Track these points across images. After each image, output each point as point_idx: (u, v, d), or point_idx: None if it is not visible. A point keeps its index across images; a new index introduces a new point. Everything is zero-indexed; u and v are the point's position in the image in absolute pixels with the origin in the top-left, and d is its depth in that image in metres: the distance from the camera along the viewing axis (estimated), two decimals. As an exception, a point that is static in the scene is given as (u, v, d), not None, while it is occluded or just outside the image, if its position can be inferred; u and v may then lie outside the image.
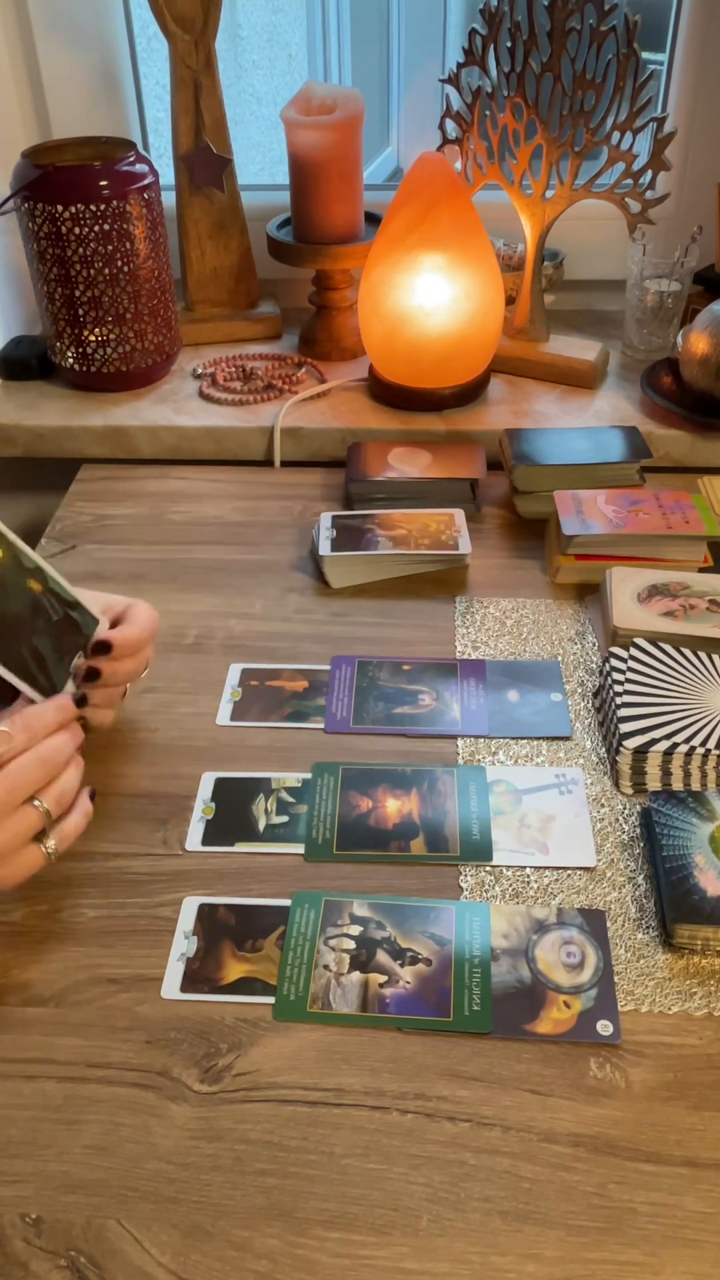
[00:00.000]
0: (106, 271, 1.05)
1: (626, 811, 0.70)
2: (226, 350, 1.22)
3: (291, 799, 0.71)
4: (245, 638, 0.85)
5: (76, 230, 1.02)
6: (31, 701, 0.61)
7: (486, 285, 1.04)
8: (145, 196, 1.04)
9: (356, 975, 0.59)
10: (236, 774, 0.72)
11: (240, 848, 0.67)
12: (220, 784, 0.72)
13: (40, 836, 0.58)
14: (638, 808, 0.70)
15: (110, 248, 1.04)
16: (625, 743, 0.69)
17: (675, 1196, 0.50)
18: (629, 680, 0.74)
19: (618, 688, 0.73)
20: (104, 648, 0.66)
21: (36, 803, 0.57)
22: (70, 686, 0.65)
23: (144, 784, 0.72)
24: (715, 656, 0.76)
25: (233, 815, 0.69)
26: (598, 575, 0.87)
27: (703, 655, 0.76)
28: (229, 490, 1.05)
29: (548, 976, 0.59)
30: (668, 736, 0.69)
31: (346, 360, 1.20)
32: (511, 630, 0.85)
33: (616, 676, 0.74)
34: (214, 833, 0.68)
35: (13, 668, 0.59)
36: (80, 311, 1.07)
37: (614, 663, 0.76)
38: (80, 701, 0.63)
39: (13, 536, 0.62)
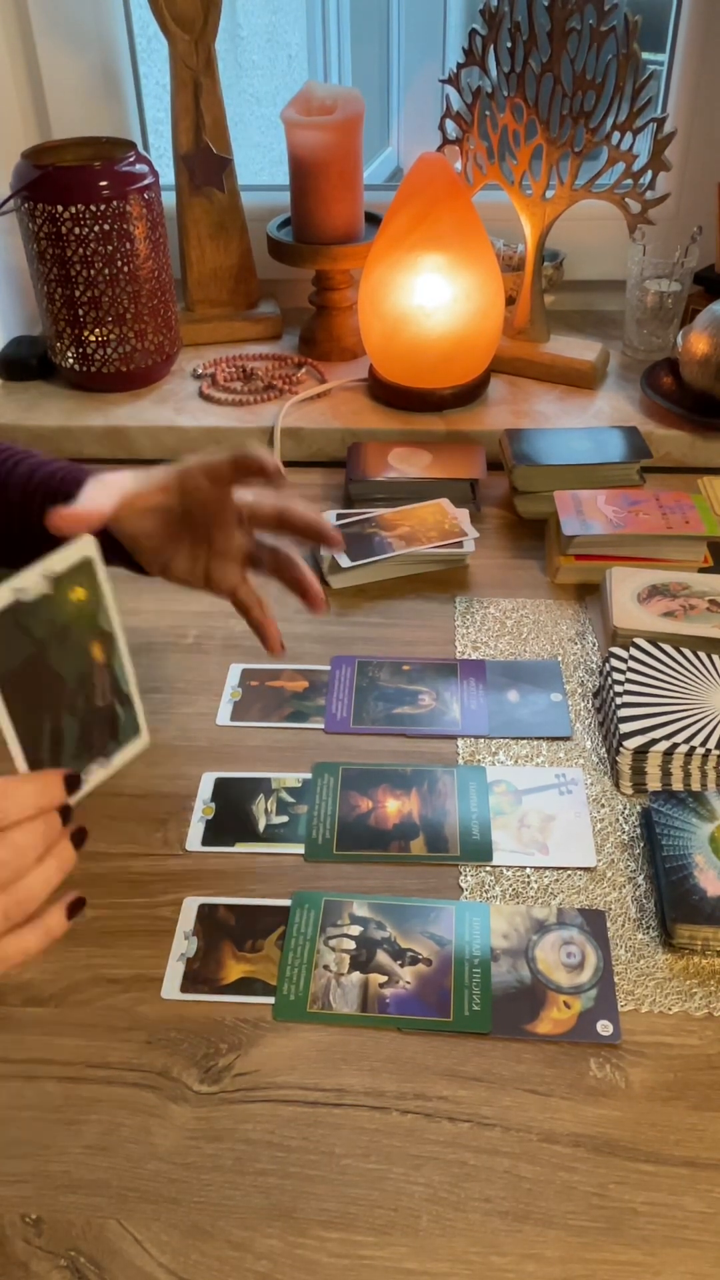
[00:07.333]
0: (106, 271, 1.05)
1: (626, 811, 0.70)
2: (226, 350, 1.22)
3: (291, 799, 0.71)
4: (245, 638, 0.85)
5: (76, 230, 1.02)
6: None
7: (486, 285, 1.04)
8: (145, 196, 1.04)
9: (356, 975, 0.59)
10: (236, 774, 0.72)
11: (240, 848, 0.67)
12: (220, 784, 0.72)
13: None
14: (638, 808, 0.70)
15: (110, 248, 1.04)
16: (625, 743, 0.69)
17: (675, 1196, 0.50)
18: (629, 680, 0.74)
19: (618, 688, 0.73)
20: (81, 835, 0.49)
21: None
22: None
23: (144, 784, 0.72)
24: (715, 656, 0.76)
25: (233, 815, 0.69)
26: (598, 575, 0.87)
27: (703, 655, 0.76)
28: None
29: (548, 976, 0.59)
30: (668, 737, 0.69)
31: (346, 360, 1.20)
32: (511, 630, 0.85)
33: (616, 677, 0.74)
34: (214, 833, 0.68)
35: (19, 728, 0.46)
36: (80, 311, 1.07)
37: (614, 663, 0.76)
38: (73, 784, 0.48)
39: (105, 582, 0.50)
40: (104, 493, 0.65)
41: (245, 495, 0.67)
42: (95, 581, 0.49)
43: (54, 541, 0.59)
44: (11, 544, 0.71)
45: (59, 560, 0.48)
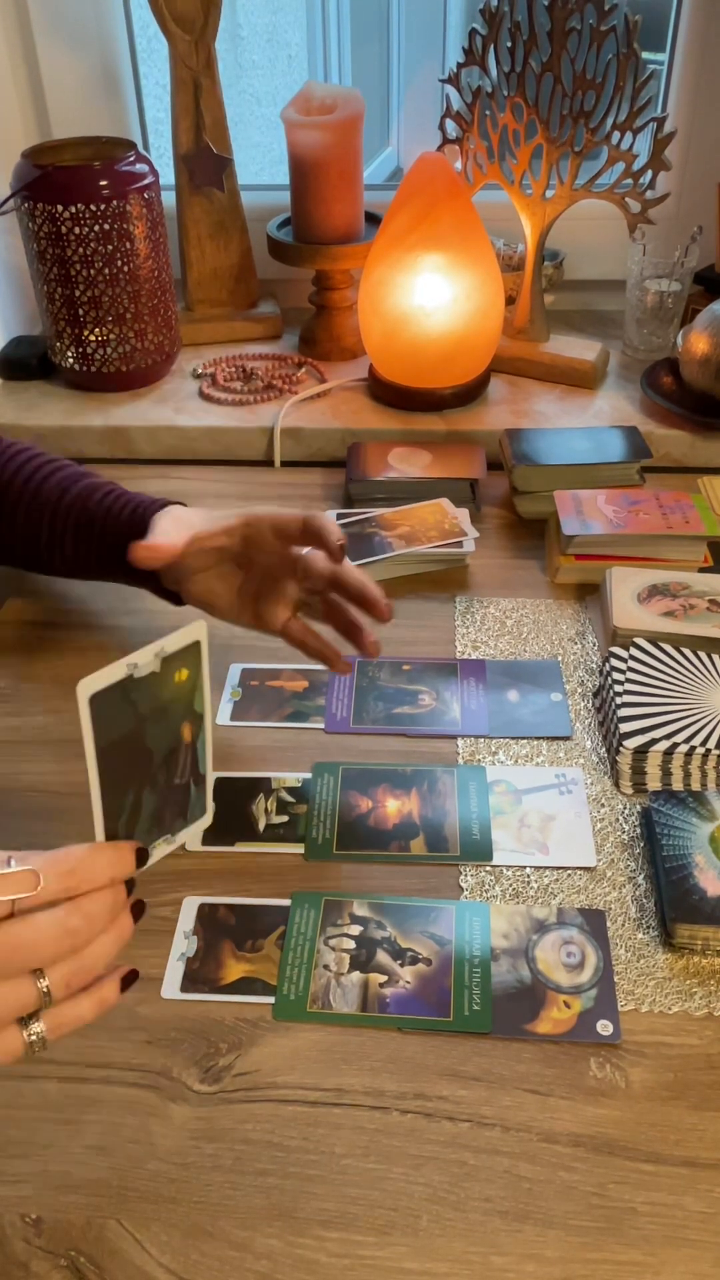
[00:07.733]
0: (106, 271, 1.05)
1: (626, 811, 0.70)
2: (226, 350, 1.22)
3: (291, 799, 0.71)
4: (245, 638, 0.85)
5: (76, 230, 1.02)
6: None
7: (486, 285, 1.04)
8: (145, 196, 1.04)
9: (356, 975, 0.59)
10: (236, 774, 0.72)
11: (240, 848, 0.67)
12: (220, 784, 0.72)
13: (30, 1017, 0.44)
14: (638, 808, 0.70)
15: (110, 248, 1.04)
16: (625, 743, 0.69)
17: (675, 1196, 0.50)
18: (629, 680, 0.74)
19: (618, 688, 0.73)
20: (140, 908, 0.50)
21: (42, 981, 0.43)
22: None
23: (144, 784, 0.72)
24: (715, 656, 0.76)
25: (233, 815, 0.69)
26: (598, 575, 0.87)
27: (703, 655, 0.76)
28: (229, 490, 1.05)
29: (548, 976, 0.59)
30: (668, 736, 0.69)
31: (346, 360, 1.20)
32: (511, 630, 0.85)
33: (616, 676, 0.74)
34: (214, 832, 0.68)
35: (105, 799, 0.47)
36: (80, 311, 1.07)
37: (614, 663, 0.76)
38: (141, 858, 0.49)
39: (205, 665, 0.50)
40: (176, 529, 0.72)
41: (300, 551, 0.70)
42: (199, 665, 0.50)
43: (107, 560, 0.79)
44: (56, 557, 0.81)
45: (172, 641, 0.49)
